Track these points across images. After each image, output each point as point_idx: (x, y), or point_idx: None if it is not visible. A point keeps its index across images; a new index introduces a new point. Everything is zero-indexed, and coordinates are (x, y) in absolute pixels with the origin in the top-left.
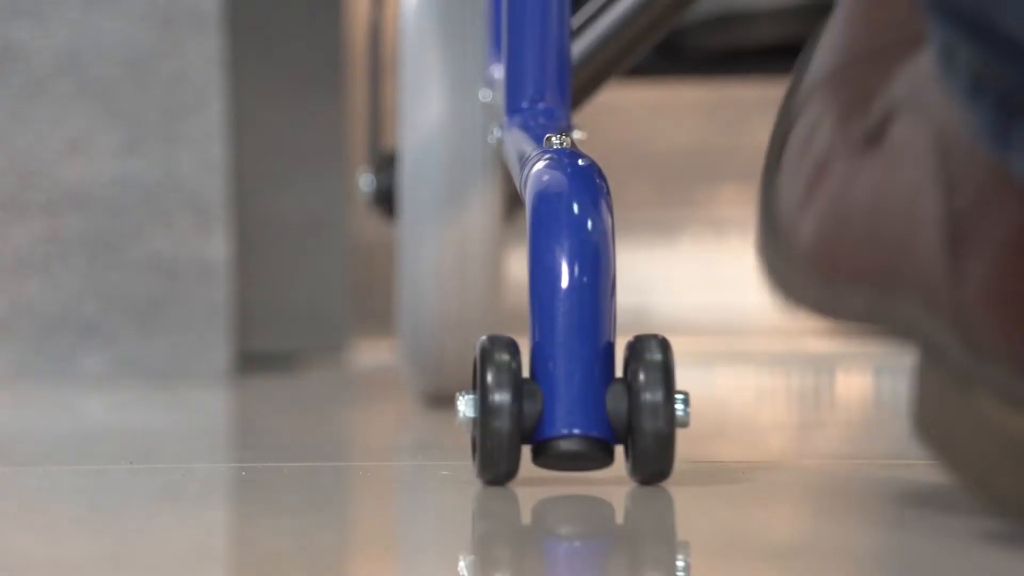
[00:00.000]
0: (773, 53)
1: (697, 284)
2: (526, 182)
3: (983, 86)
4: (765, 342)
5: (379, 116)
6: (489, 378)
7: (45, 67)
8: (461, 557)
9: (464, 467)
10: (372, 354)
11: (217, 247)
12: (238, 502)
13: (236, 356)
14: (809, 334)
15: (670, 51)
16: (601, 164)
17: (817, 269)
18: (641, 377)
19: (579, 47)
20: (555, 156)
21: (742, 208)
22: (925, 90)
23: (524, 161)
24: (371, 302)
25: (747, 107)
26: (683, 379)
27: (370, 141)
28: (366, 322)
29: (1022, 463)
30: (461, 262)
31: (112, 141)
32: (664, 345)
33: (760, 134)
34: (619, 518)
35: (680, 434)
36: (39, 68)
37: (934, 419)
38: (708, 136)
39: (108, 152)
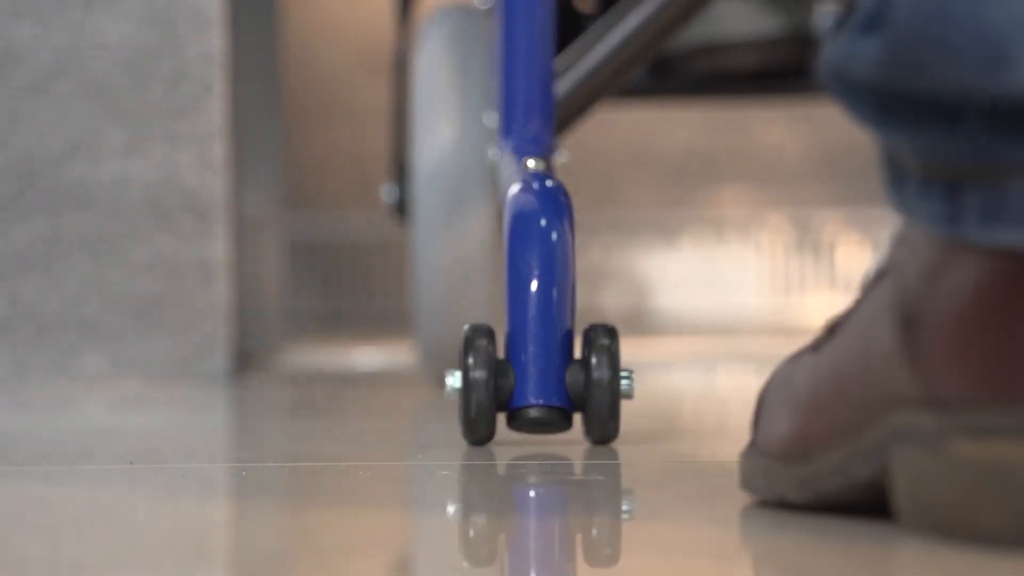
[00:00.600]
0: (753, 78)
1: (697, 284)
2: (505, 199)
3: (931, 179)
4: (765, 342)
5: (403, 134)
6: (470, 359)
7: (46, 67)
8: (448, 503)
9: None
10: (310, 356)
11: (217, 247)
12: (238, 502)
13: (236, 356)
14: (808, 334)
15: (662, 74)
16: (604, 165)
17: (796, 451)
18: (593, 359)
19: (568, 80)
20: (529, 178)
21: (742, 208)
22: (869, 285)
23: (506, 180)
24: (307, 302)
25: (748, 109)
26: (684, 378)
27: (394, 155)
28: (300, 322)
29: (999, 489)
30: (465, 264)
31: (113, 141)
32: (612, 332)
33: (760, 136)
34: (576, 471)
35: (680, 433)
36: (40, 68)
37: (914, 499)
38: (709, 137)
39: (109, 152)
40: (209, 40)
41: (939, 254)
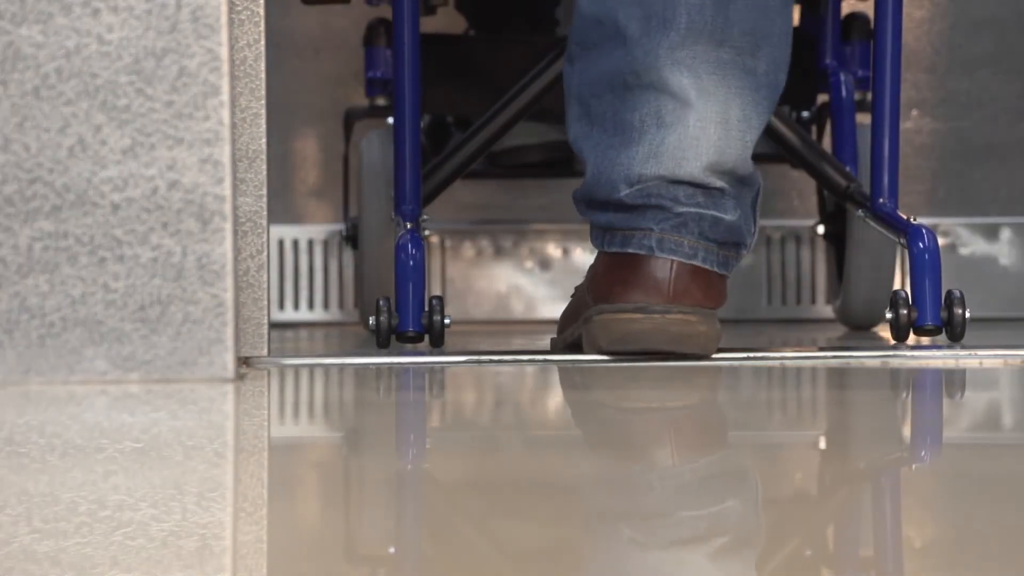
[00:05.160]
0: (541, 166)
1: None
2: (396, 242)
3: (597, 232)
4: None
5: (349, 200)
6: (381, 311)
7: (51, 69)
8: (374, 374)
9: None
10: (307, 356)
11: (221, 247)
12: (240, 501)
13: (239, 355)
14: (806, 333)
15: (489, 164)
16: None
17: (565, 332)
18: (434, 313)
19: (435, 172)
20: (406, 232)
21: None
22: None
23: (398, 231)
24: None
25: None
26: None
27: (345, 212)
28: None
29: (609, 331)
30: (384, 265)
31: (117, 142)
32: (440, 298)
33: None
34: (427, 358)
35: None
36: (45, 70)
37: (589, 339)
38: None
39: (113, 153)
40: (213, 42)
41: (598, 256)
